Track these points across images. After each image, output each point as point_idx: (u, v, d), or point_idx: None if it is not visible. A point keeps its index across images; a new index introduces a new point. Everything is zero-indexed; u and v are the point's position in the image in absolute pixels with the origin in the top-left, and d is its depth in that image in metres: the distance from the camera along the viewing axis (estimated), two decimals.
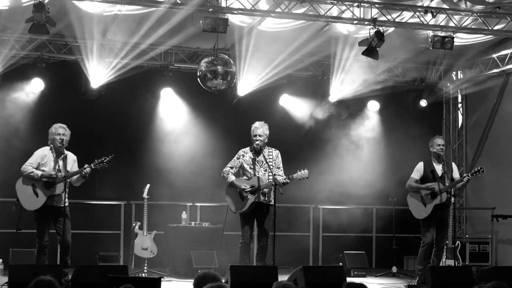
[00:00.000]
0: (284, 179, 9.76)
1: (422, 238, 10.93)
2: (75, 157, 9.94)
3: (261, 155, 10.02)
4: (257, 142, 9.94)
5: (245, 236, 9.96)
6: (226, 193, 10.12)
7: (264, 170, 9.97)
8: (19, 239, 11.75)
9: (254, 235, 10.21)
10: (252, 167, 9.99)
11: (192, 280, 5.69)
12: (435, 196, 10.72)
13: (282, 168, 10.06)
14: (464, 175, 11.03)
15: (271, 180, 9.72)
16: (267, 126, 10.15)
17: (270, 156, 9.98)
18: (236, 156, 10.17)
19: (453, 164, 11.23)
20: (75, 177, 9.68)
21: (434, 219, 10.80)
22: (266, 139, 10.11)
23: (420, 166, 10.95)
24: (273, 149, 10.11)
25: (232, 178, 10.02)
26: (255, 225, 10.14)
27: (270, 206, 9.94)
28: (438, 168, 10.86)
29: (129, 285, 5.25)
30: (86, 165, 9.65)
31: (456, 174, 11.00)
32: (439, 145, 10.89)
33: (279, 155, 10.14)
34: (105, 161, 9.73)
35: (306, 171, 9.91)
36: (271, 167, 9.87)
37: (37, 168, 9.65)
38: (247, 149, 10.18)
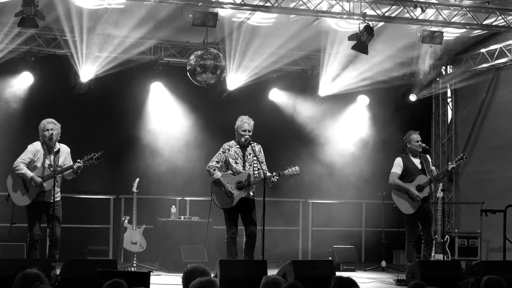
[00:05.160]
0: (274, 176, 9.71)
1: (407, 235, 10.82)
2: (68, 150, 9.86)
3: (247, 149, 9.96)
4: (246, 137, 9.83)
5: (230, 231, 9.87)
6: (211, 189, 9.95)
7: (249, 165, 9.91)
8: (11, 233, 11.75)
9: (239, 229, 10.13)
10: (238, 161, 9.92)
11: (181, 274, 5.69)
12: (422, 190, 10.70)
13: (265, 163, 9.98)
14: (448, 164, 11.03)
15: (261, 175, 9.67)
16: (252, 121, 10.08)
17: (254, 151, 9.88)
18: (221, 150, 9.98)
19: (428, 157, 11.07)
20: (67, 171, 9.67)
21: (419, 214, 10.78)
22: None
23: (399, 160, 10.85)
24: (255, 143, 9.96)
25: (218, 174, 9.85)
26: (239, 219, 10.02)
27: (254, 200, 9.93)
28: (417, 162, 10.83)
29: (118, 279, 5.22)
30: (78, 160, 9.62)
31: (432, 167, 10.99)
32: (417, 141, 10.82)
33: (262, 150, 10.07)
34: (94, 157, 9.68)
35: (297, 167, 9.86)
36: (256, 162, 9.83)
37: (29, 164, 9.59)
38: (232, 143, 10.00)
